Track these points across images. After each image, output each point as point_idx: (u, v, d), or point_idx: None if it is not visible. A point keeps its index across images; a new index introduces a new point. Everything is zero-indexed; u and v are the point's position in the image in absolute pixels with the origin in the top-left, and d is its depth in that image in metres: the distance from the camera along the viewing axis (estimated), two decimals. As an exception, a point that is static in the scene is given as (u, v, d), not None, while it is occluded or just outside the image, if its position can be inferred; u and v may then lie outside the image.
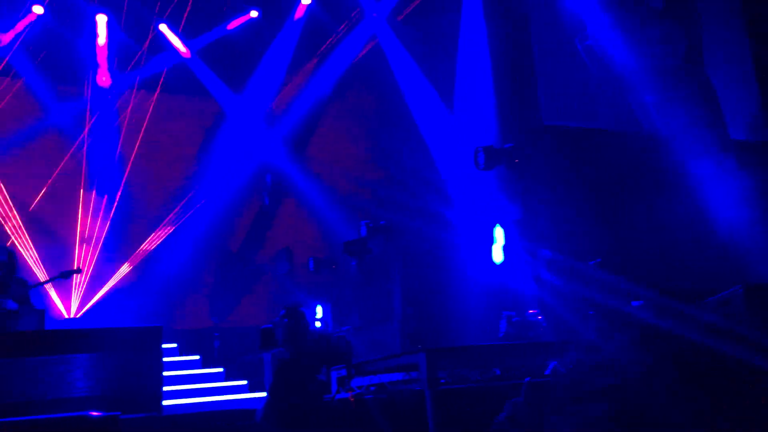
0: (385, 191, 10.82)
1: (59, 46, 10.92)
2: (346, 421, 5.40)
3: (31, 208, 10.82)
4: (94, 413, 4.10)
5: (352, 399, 5.42)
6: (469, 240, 8.48)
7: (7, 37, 10.56)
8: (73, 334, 5.20)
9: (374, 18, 11.26)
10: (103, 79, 11.17)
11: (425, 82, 10.61)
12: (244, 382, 8.92)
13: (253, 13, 11.50)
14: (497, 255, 7.67)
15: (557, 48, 9.02)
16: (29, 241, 10.61)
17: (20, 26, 10.58)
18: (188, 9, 11.05)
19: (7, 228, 10.49)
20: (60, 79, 11.15)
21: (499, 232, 7.97)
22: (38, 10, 10.57)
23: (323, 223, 11.49)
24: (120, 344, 5.27)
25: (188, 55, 11.63)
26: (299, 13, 11.54)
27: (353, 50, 11.60)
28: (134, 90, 11.46)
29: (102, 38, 11.08)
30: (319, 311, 9.86)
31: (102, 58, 11.12)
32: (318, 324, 9.41)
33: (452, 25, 10.04)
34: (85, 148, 11.17)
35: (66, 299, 10.85)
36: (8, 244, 9.97)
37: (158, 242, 11.35)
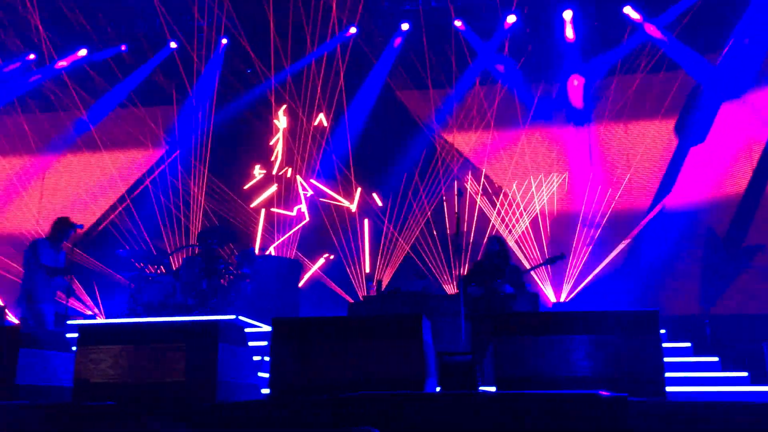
0: None
1: (533, 47, 11.82)
2: None
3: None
4: (604, 393, 4.22)
5: None
6: None
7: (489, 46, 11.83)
8: (573, 316, 5.45)
9: None
10: (575, 72, 11.73)
11: None
12: (744, 374, 8.20)
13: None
14: None
15: None
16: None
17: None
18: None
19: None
20: (536, 78, 12.07)
21: None
22: (511, 19, 11.57)
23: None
24: (618, 327, 5.35)
25: (656, 32, 11.29)
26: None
27: None
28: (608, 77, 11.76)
29: (570, 32, 11.61)
30: None
31: (572, 50, 11.64)
32: None
33: None
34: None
35: (548, 284, 11.60)
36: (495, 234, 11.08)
37: (642, 228, 11.35)
